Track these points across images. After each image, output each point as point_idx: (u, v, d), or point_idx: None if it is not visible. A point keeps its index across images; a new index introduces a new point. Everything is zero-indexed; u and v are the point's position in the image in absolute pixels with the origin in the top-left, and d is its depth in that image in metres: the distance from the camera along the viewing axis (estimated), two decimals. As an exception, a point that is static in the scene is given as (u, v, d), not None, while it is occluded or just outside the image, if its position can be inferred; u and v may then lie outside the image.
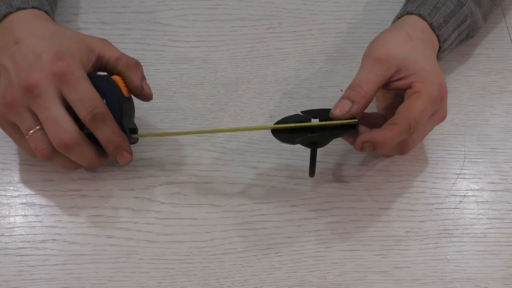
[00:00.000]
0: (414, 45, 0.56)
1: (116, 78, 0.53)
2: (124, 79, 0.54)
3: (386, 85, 0.55)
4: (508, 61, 0.67)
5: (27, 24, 0.53)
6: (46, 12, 0.55)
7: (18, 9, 0.54)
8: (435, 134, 0.62)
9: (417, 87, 0.53)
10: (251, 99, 0.63)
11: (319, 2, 0.70)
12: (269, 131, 0.54)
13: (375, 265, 0.55)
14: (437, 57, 0.59)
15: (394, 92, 0.57)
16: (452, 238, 0.57)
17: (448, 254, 0.56)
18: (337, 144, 0.60)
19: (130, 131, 0.54)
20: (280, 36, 0.67)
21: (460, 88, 0.65)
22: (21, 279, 0.53)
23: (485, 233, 0.57)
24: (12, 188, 0.57)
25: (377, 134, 0.52)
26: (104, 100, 0.52)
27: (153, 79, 0.63)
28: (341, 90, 0.63)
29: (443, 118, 0.56)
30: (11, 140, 0.58)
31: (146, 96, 0.55)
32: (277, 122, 0.54)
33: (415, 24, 0.58)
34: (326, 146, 0.59)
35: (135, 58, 0.55)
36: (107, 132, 0.51)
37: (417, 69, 0.54)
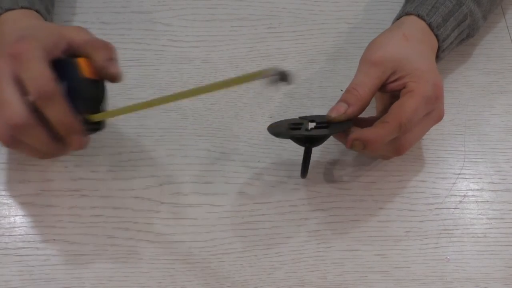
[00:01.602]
0: (409, 45, 0.56)
1: (80, 60, 0.51)
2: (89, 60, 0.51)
3: (382, 87, 0.55)
4: (508, 61, 0.67)
5: (15, 23, 0.54)
6: (37, 11, 0.56)
7: (7, 10, 0.54)
8: (435, 134, 0.62)
9: (411, 87, 0.53)
10: (251, 99, 0.63)
11: (319, 2, 0.70)
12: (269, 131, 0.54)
13: (375, 265, 0.55)
14: (437, 56, 0.59)
15: (391, 93, 0.57)
16: (452, 238, 0.57)
17: (448, 254, 0.56)
18: (337, 144, 0.60)
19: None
20: (280, 36, 0.67)
21: (460, 88, 0.65)
22: (21, 279, 0.53)
23: (485, 233, 0.57)
24: (12, 188, 0.57)
25: (368, 132, 0.52)
26: (65, 82, 0.49)
27: (153, 79, 0.63)
28: (341, 90, 0.63)
29: (439, 118, 0.56)
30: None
31: (111, 76, 0.51)
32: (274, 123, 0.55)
33: (413, 24, 0.58)
34: (326, 146, 0.59)
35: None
36: (55, 112, 0.49)
37: (412, 69, 0.54)
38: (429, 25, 0.58)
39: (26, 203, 0.56)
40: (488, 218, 0.58)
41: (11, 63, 0.49)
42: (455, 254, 0.56)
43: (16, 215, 0.56)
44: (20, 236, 0.55)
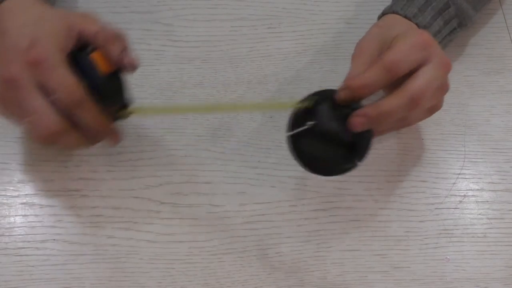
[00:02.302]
0: (384, 29, 0.56)
1: (96, 55, 0.51)
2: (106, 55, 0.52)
3: None
4: (508, 61, 0.67)
5: (15, 12, 0.52)
6: None
7: None
8: (435, 134, 0.62)
9: (395, 40, 0.53)
10: (251, 99, 0.63)
11: (319, 2, 0.70)
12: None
13: (375, 265, 0.55)
14: None
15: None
16: (452, 238, 0.57)
17: (448, 254, 0.56)
18: (337, 144, 0.60)
19: (121, 107, 0.52)
20: (280, 36, 0.67)
21: (460, 88, 0.65)
22: (21, 279, 0.53)
23: (485, 233, 0.57)
24: (12, 188, 0.57)
25: (354, 78, 0.51)
26: (85, 81, 0.50)
27: (153, 79, 0.63)
28: (341, 90, 0.64)
29: (446, 65, 0.54)
30: (11, 140, 0.58)
31: (128, 68, 0.52)
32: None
33: (388, 18, 0.59)
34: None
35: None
36: (86, 118, 0.50)
37: (395, 35, 0.54)
38: (405, 17, 0.58)
39: (26, 203, 0.56)
40: (488, 218, 0.58)
41: (31, 71, 0.49)
42: (455, 254, 0.56)
43: (16, 215, 0.56)
44: (20, 236, 0.55)
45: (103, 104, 0.51)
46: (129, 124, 0.60)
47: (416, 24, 0.58)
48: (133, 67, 0.52)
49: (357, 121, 0.50)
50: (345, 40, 0.68)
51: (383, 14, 0.60)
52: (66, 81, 0.49)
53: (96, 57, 0.51)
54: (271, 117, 0.62)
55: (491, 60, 0.67)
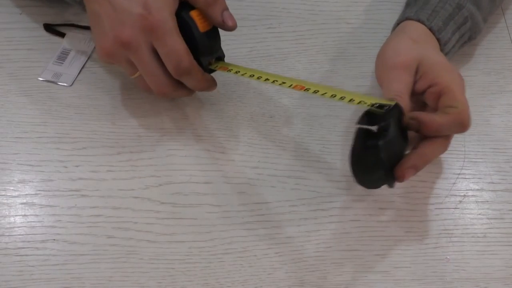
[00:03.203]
0: (420, 46, 0.56)
1: (194, 14, 0.54)
2: (204, 15, 0.55)
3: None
4: (508, 61, 0.67)
5: None
6: None
7: None
8: (435, 134, 0.62)
9: (447, 82, 0.53)
10: (251, 99, 0.63)
11: (319, 2, 0.70)
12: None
13: (375, 265, 0.55)
14: None
15: (416, 99, 0.56)
16: (452, 238, 0.57)
17: (448, 254, 0.56)
18: (337, 144, 0.60)
19: (217, 59, 0.57)
20: (280, 36, 0.67)
21: (460, 88, 0.65)
22: (21, 279, 0.53)
23: (485, 233, 0.57)
24: (12, 188, 0.57)
25: (427, 116, 0.51)
26: (185, 38, 0.53)
27: (153, 79, 0.63)
28: (341, 90, 0.64)
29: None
30: (11, 140, 0.58)
31: (228, 29, 0.55)
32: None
33: (416, 28, 0.58)
34: (326, 146, 0.59)
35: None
36: (192, 82, 0.55)
37: (432, 64, 0.54)
38: (430, 29, 0.58)
39: (26, 203, 0.56)
40: (488, 218, 0.58)
41: (146, 35, 0.52)
42: (455, 254, 0.56)
43: (16, 215, 0.56)
44: (20, 236, 0.55)
45: (201, 59, 0.55)
46: (129, 124, 0.60)
47: (438, 39, 0.58)
48: (234, 26, 0.56)
49: (409, 174, 0.51)
50: (345, 40, 0.68)
51: (407, 18, 0.59)
52: (177, 49, 0.52)
53: (195, 17, 0.54)
54: (271, 117, 0.62)
55: (491, 60, 0.67)
